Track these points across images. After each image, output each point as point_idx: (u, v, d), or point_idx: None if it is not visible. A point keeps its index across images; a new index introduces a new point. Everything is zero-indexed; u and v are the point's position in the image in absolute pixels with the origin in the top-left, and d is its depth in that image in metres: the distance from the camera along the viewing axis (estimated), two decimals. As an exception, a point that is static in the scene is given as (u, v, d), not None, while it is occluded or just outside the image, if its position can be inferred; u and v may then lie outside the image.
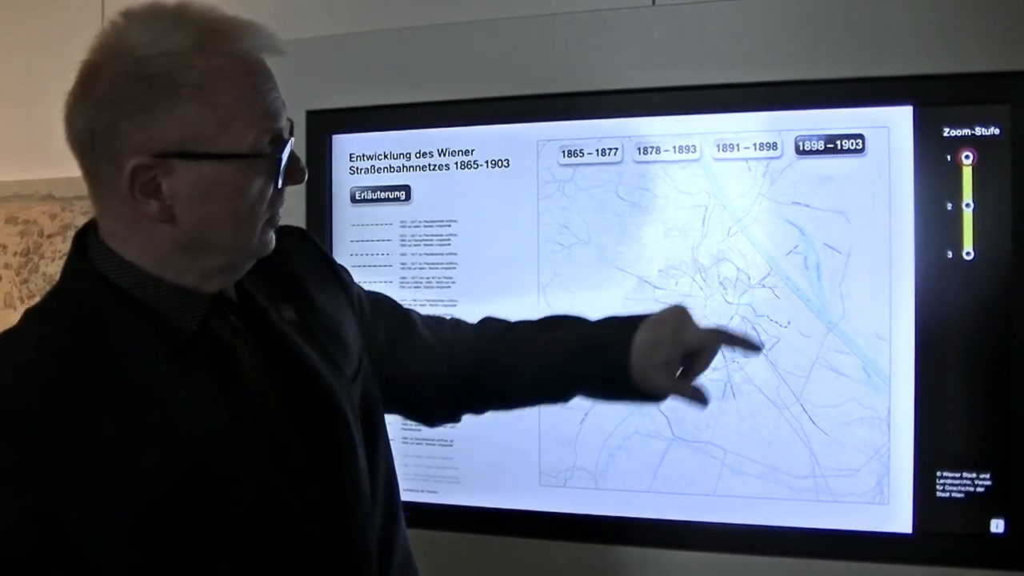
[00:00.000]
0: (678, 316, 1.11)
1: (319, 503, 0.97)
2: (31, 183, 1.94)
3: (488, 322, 1.27)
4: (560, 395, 1.23)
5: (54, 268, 1.92)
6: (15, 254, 1.95)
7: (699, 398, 1.10)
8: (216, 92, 0.92)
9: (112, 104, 0.92)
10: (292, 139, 0.97)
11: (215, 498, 0.90)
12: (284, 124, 0.97)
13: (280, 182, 0.96)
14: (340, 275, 1.16)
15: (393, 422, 1.21)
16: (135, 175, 0.91)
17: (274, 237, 1.01)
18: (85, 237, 0.99)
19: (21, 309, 1.78)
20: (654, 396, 1.13)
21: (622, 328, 1.14)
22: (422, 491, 1.57)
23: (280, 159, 0.95)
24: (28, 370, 0.90)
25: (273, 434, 0.95)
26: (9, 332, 0.95)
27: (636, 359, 1.09)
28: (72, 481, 0.85)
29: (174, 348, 0.94)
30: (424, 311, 1.45)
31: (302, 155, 1.55)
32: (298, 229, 1.17)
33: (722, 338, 1.11)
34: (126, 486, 0.86)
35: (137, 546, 0.87)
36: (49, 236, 1.93)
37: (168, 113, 0.92)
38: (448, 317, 1.28)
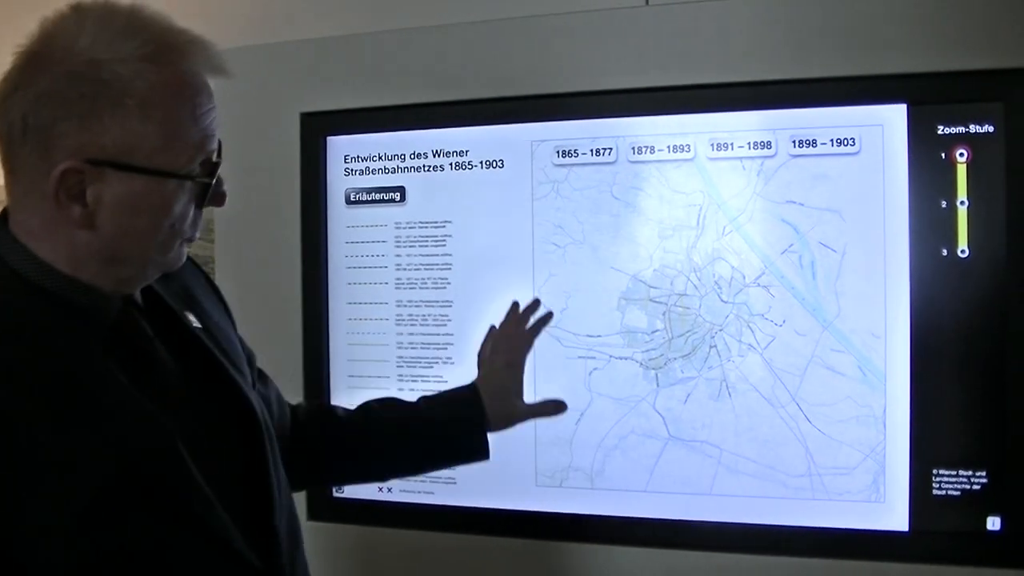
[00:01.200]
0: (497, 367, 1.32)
1: (242, 505, 0.99)
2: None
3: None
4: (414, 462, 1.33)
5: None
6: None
7: (559, 409, 1.33)
8: (161, 108, 0.92)
9: (55, 102, 0.90)
10: (220, 161, 0.98)
11: (152, 496, 0.90)
12: (215, 146, 0.98)
13: (205, 204, 0.97)
14: (223, 300, 1.21)
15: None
16: (64, 177, 0.90)
17: (186, 253, 1.03)
18: None
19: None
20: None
21: (458, 391, 1.32)
22: (419, 492, 1.60)
23: (209, 184, 0.96)
24: None
25: (195, 435, 0.96)
26: None
27: (489, 402, 1.28)
28: (8, 488, 0.84)
29: (94, 346, 0.94)
30: (420, 312, 1.48)
31: (296, 158, 1.59)
32: (190, 259, 1.18)
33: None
34: (66, 487, 0.86)
35: (80, 549, 0.86)
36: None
37: (110, 121, 0.91)
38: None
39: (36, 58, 0.91)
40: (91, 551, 0.87)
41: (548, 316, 1.35)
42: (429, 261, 1.59)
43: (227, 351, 1.10)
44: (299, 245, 1.63)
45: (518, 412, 1.31)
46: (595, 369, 1.52)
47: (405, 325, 1.59)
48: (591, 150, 1.51)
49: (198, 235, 1.02)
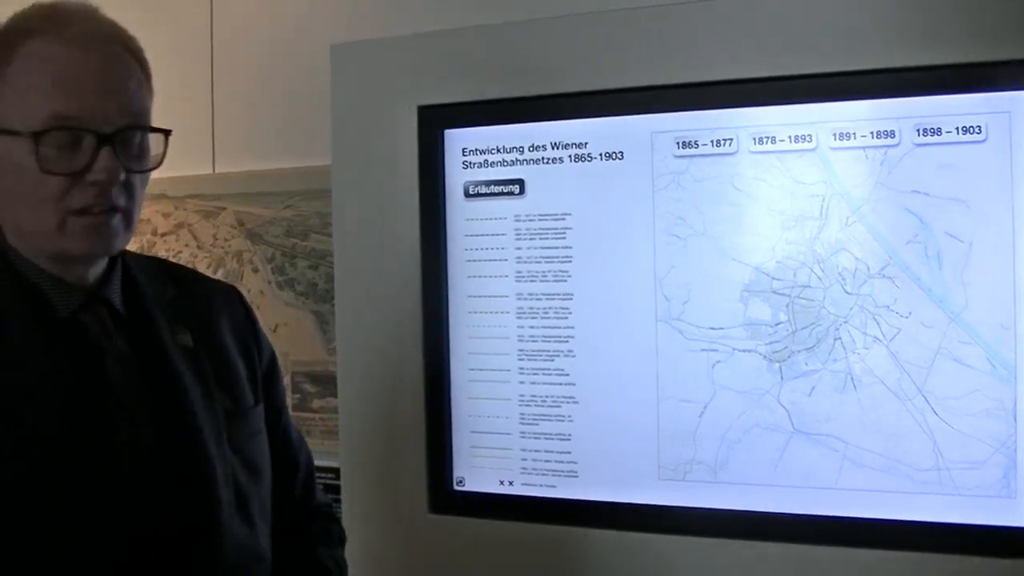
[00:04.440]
0: None
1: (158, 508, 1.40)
2: (142, 181, 2.63)
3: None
4: None
5: (164, 266, 2.60)
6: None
7: None
8: (19, 71, 1.34)
9: None
10: (99, 135, 1.34)
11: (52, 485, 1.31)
12: (86, 113, 1.33)
13: (44, 167, 1.32)
14: (257, 339, 1.70)
15: (510, 415, 1.82)
16: None
17: (94, 237, 1.38)
18: None
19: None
20: None
21: None
22: (540, 486, 2.15)
23: (39, 140, 1.32)
24: None
25: (121, 436, 1.38)
26: None
27: None
28: None
29: (47, 328, 1.37)
30: (540, 305, 2.05)
31: (414, 151, 2.16)
32: (234, 288, 1.77)
33: None
34: None
35: None
36: (163, 234, 2.62)
37: None
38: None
39: None
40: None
41: None
42: (549, 254, 2.12)
43: (206, 374, 1.52)
44: (418, 239, 2.18)
45: None
46: (718, 362, 2.02)
47: (526, 318, 2.13)
48: (711, 141, 2.01)
49: (102, 218, 1.37)
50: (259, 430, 1.64)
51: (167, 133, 1.46)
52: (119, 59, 1.40)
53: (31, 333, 1.37)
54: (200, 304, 1.63)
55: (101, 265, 1.47)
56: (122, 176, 1.37)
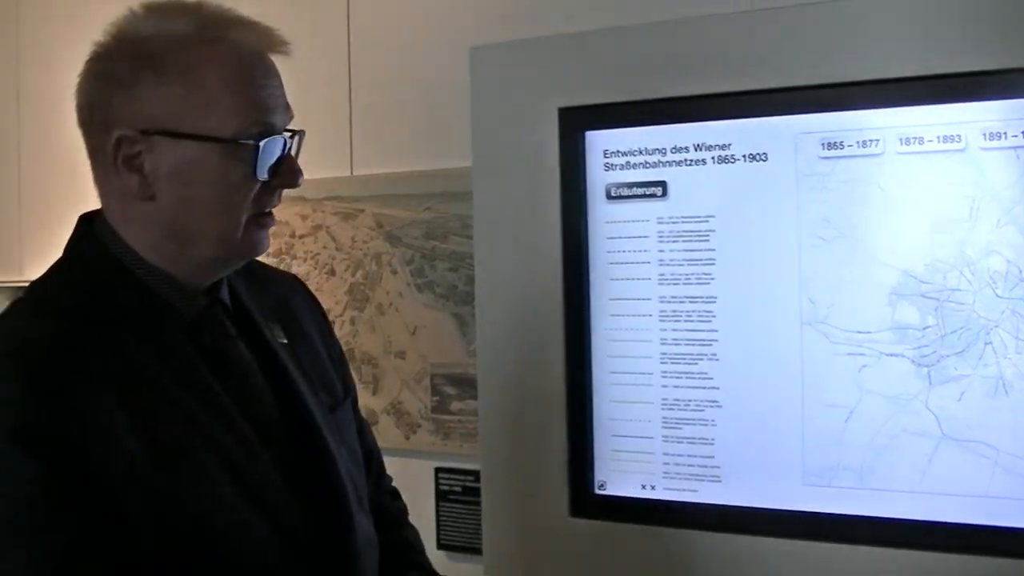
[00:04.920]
0: None
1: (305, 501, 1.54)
2: (282, 183, 2.79)
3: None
4: None
5: (305, 268, 2.75)
6: (268, 254, 2.81)
7: None
8: (204, 76, 1.43)
9: (110, 79, 1.44)
10: (288, 139, 1.50)
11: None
12: (277, 120, 1.47)
13: (259, 174, 1.45)
14: (325, 320, 1.86)
15: (652, 419, 1.93)
16: (119, 145, 1.43)
17: (265, 239, 1.53)
18: (92, 219, 1.54)
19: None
20: None
21: None
22: (683, 490, 2.23)
23: (258, 148, 1.43)
24: (47, 333, 1.42)
25: (267, 434, 1.52)
26: (23, 299, 1.51)
27: None
28: (82, 435, 1.35)
29: (175, 334, 1.48)
30: (683, 308, 2.15)
31: (555, 153, 2.28)
32: (295, 276, 1.90)
33: None
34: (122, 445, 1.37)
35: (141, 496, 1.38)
36: (301, 236, 2.78)
37: (153, 90, 1.42)
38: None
39: (98, 48, 1.47)
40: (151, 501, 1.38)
41: None
42: (692, 256, 2.19)
43: (307, 369, 1.66)
44: (559, 241, 2.27)
45: None
46: (864, 366, 2.08)
47: (669, 321, 2.21)
48: (857, 142, 2.06)
49: (272, 219, 1.53)
50: (352, 420, 1.79)
51: (302, 134, 1.58)
52: (274, 64, 1.53)
53: (169, 336, 1.49)
54: (281, 299, 1.76)
55: None
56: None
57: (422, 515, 2.59)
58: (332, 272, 2.77)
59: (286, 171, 1.51)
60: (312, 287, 2.59)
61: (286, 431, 1.58)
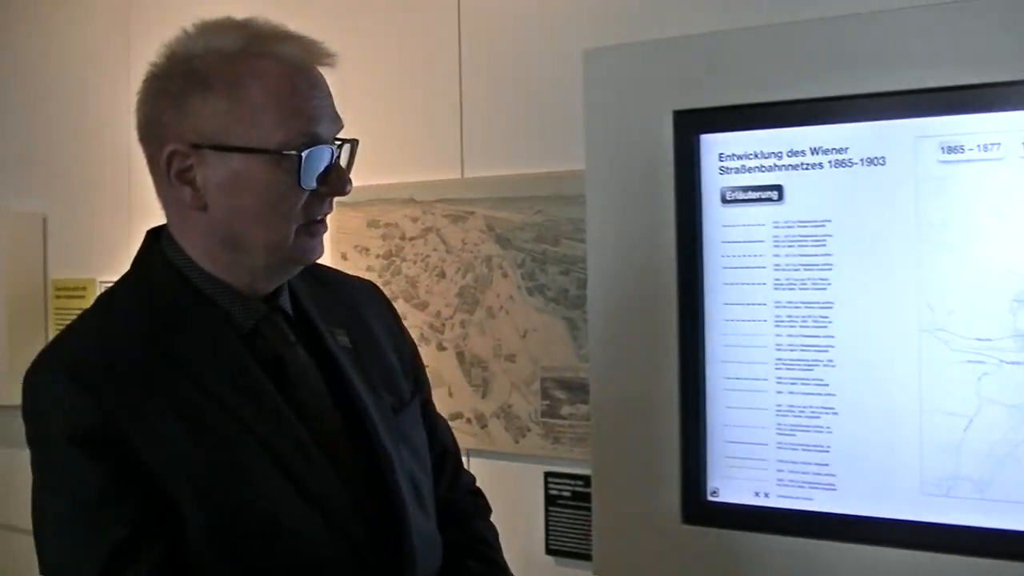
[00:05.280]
0: None
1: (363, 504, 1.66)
2: (393, 187, 2.88)
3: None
4: None
5: (415, 271, 2.84)
6: (377, 256, 2.91)
7: None
8: (249, 90, 1.56)
9: (160, 97, 1.60)
10: (335, 149, 1.62)
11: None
12: (323, 130, 1.59)
13: (304, 183, 1.57)
14: (400, 326, 1.98)
15: (766, 425, 1.98)
16: (171, 159, 1.59)
17: (317, 247, 1.66)
18: (158, 232, 1.71)
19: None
20: None
21: None
22: (797, 498, 2.28)
23: (301, 158, 1.55)
24: (105, 340, 1.59)
25: (323, 437, 1.64)
26: (93, 308, 1.68)
27: None
28: (137, 437, 1.50)
29: (231, 341, 1.62)
30: (799, 313, 2.20)
31: (669, 156, 2.34)
32: (371, 283, 2.01)
33: None
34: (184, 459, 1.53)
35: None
36: (411, 239, 2.87)
37: (202, 105, 1.57)
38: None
39: (152, 67, 1.63)
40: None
41: None
42: (808, 261, 2.24)
43: (369, 373, 1.77)
44: (674, 245, 2.33)
45: None
46: (985, 374, 2.10)
47: (784, 327, 2.26)
48: (978, 146, 2.09)
49: (324, 225, 1.66)
50: (419, 421, 1.90)
51: (355, 143, 1.71)
52: (322, 75, 1.66)
53: (225, 343, 1.64)
54: (348, 304, 1.88)
55: None
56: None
57: (531, 520, 2.68)
58: (442, 275, 2.86)
59: (334, 180, 1.64)
60: (422, 290, 2.74)
61: (344, 434, 1.71)
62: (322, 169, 1.61)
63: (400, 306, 2.75)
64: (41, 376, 1.58)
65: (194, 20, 1.66)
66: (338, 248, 2.97)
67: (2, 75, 4.04)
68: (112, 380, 1.53)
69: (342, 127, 1.66)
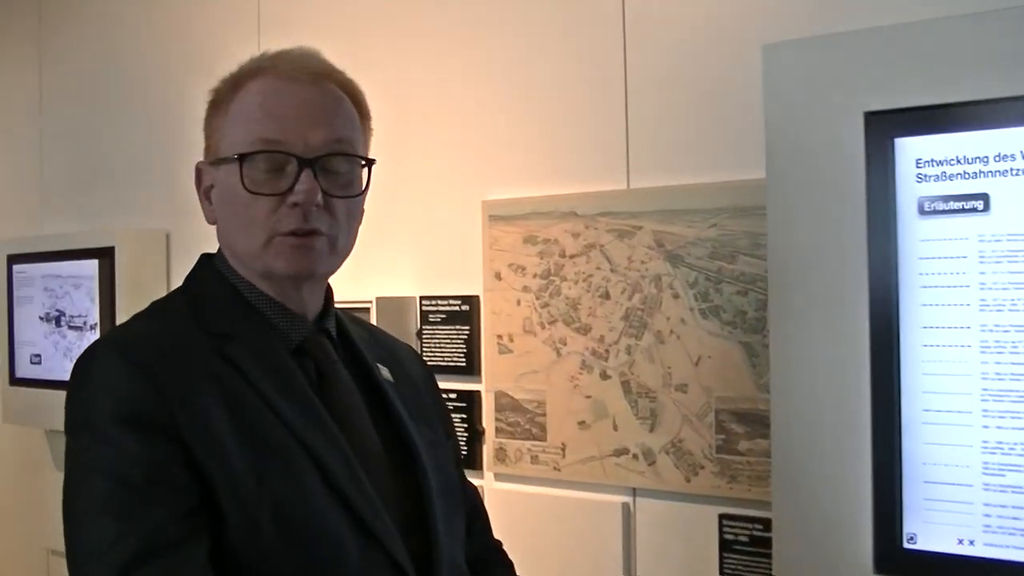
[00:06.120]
0: None
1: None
2: (552, 199, 2.87)
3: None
4: None
5: (576, 291, 2.83)
6: (535, 276, 2.90)
7: None
8: (237, 104, 1.80)
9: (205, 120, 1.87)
10: (301, 157, 1.76)
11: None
12: (287, 137, 1.77)
13: (249, 185, 1.75)
14: (438, 394, 2.17)
15: (971, 464, 1.92)
16: (198, 176, 1.88)
17: (292, 257, 1.79)
18: (212, 255, 1.90)
19: (542, 336, 2.76)
20: None
21: None
22: (1006, 547, 2.16)
23: (241, 160, 1.75)
24: (158, 331, 1.79)
25: (364, 451, 1.79)
26: (147, 310, 1.87)
27: None
28: (184, 424, 1.65)
29: (280, 351, 1.80)
30: (1008, 338, 2.13)
31: (860, 163, 2.29)
32: (411, 347, 2.26)
33: None
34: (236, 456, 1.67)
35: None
36: (571, 256, 2.86)
37: (214, 126, 1.84)
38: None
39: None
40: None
41: None
42: (1019, 279, 2.14)
43: (409, 405, 1.96)
44: (865, 262, 2.26)
45: None
46: None
47: (991, 353, 2.16)
48: None
49: (304, 240, 1.79)
50: (451, 463, 2.05)
51: (370, 163, 1.87)
52: (327, 92, 1.83)
53: (274, 352, 1.82)
54: (388, 348, 2.11)
55: (318, 294, 1.92)
56: (319, 198, 1.76)
57: (704, 567, 2.63)
58: (606, 295, 2.84)
59: (298, 189, 1.76)
60: (584, 312, 2.73)
61: (384, 451, 1.86)
62: (283, 179, 1.77)
63: (560, 330, 2.74)
64: (96, 361, 1.73)
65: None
66: (492, 267, 2.98)
67: (125, 99, 4.30)
68: (166, 368, 1.69)
69: (335, 141, 1.81)
